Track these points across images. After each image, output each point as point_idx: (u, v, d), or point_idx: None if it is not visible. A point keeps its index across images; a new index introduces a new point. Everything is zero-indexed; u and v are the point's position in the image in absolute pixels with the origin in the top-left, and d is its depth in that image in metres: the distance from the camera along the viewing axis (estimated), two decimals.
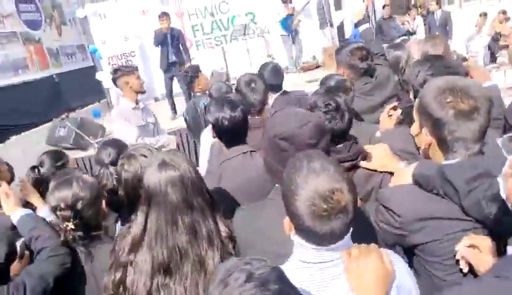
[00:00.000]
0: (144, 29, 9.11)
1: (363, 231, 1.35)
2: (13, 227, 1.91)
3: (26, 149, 6.15)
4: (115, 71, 3.85)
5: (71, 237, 1.80)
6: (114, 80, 3.82)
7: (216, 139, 2.24)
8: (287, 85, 3.69)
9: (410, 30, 9.66)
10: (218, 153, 2.35)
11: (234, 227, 1.53)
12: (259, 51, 9.74)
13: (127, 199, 1.91)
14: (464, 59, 2.94)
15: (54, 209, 1.82)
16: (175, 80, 7.62)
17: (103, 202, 1.94)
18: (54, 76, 8.51)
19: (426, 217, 1.35)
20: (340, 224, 1.06)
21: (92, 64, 10.10)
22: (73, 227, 1.79)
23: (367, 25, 3.29)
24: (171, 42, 7.33)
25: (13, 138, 6.53)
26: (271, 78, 3.30)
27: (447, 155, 1.37)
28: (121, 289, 1.49)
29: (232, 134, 2.06)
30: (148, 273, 1.46)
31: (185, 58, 7.61)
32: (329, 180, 1.07)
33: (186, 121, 4.18)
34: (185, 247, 1.45)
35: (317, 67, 9.54)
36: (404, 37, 8.72)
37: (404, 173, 1.49)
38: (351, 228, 1.12)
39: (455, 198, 1.29)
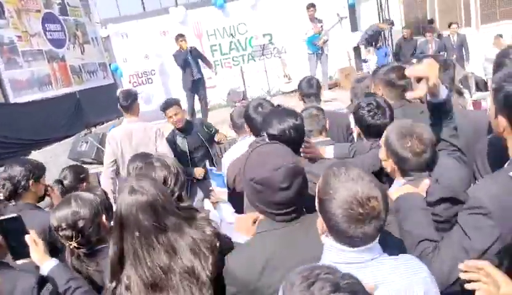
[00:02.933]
0: (164, 49, 9.36)
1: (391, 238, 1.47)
2: (41, 278, 1.80)
3: (49, 162, 6.30)
4: (130, 95, 3.99)
5: (75, 256, 1.85)
6: (132, 104, 3.97)
7: None
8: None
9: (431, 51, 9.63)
10: None
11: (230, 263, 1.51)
12: (276, 71, 9.90)
13: None
14: (461, 94, 2.92)
15: (56, 229, 1.86)
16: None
17: (103, 217, 1.96)
18: (76, 93, 8.73)
19: None
20: (372, 228, 1.15)
21: (113, 81, 10.36)
22: (76, 246, 1.83)
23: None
24: (193, 60, 7.45)
25: (36, 152, 6.69)
26: (305, 89, 3.48)
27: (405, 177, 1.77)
28: None
29: (295, 145, 2.01)
30: (143, 293, 1.49)
31: (207, 65, 7.81)
32: (366, 188, 1.15)
33: None
34: (167, 264, 1.48)
35: (335, 85, 9.62)
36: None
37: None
38: (379, 234, 1.19)
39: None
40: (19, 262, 1.86)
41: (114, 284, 1.51)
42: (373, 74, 2.97)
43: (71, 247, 1.84)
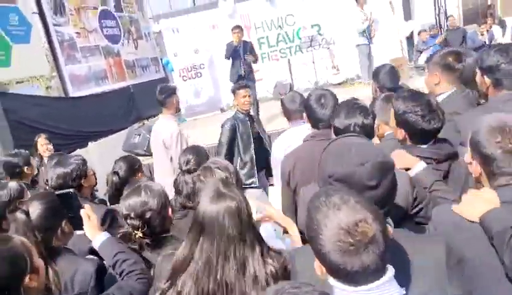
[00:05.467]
0: (214, 43, 9.49)
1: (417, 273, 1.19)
2: (92, 250, 1.91)
3: (104, 153, 6.63)
4: (165, 90, 4.05)
5: (138, 244, 1.89)
6: (166, 99, 4.02)
7: None
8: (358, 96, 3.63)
9: (486, 41, 9.07)
10: None
11: (296, 263, 1.38)
12: (324, 63, 9.75)
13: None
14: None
15: (125, 218, 1.91)
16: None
17: (170, 210, 1.99)
18: (130, 87, 9.10)
19: None
20: (371, 257, 0.99)
21: (164, 75, 10.69)
22: (141, 235, 1.87)
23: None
24: (243, 55, 7.33)
25: (93, 144, 7.07)
26: (385, 81, 3.14)
27: (493, 184, 1.46)
28: None
29: None
30: None
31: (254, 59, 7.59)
32: (351, 213, 1.02)
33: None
34: (232, 282, 1.39)
35: None
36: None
37: (474, 204, 1.43)
38: (390, 269, 1.03)
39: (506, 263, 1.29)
40: (78, 232, 1.97)
41: (167, 285, 1.47)
42: (427, 61, 2.86)
43: (137, 236, 1.88)
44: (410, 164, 1.89)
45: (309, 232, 1.07)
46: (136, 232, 1.87)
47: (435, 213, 1.58)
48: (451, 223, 1.45)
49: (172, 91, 4.12)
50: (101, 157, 6.98)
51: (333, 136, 2.00)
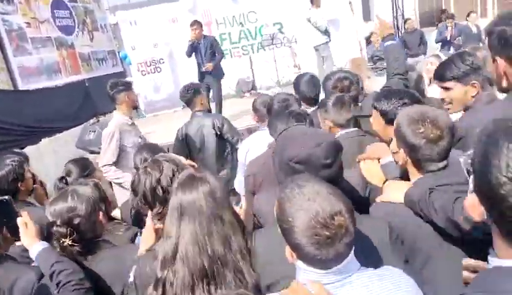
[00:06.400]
0: (174, 37, 9.26)
1: (368, 249, 1.36)
2: (42, 274, 1.77)
3: (58, 151, 6.30)
4: (115, 85, 3.81)
5: (67, 251, 1.78)
6: (115, 95, 3.80)
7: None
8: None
9: (448, 36, 9.37)
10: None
11: (256, 243, 1.50)
12: (286, 61, 9.77)
13: (143, 204, 1.86)
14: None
15: (51, 225, 1.80)
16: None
17: (101, 214, 1.91)
18: (85, 80, 8.69)
19: None
20: (344, 246, 1.06)
21: (122, 69, 10.30)
22: (70, 243, 1.77)
23: (393, 41, 2.86)
24: (204, 51, 7.13)
25: (46, 140, 6.69)
26: (306, 90, 3.15)
27: (420, 171, 1.61)
28: None
29: None
30: (189, 286, 1.42)
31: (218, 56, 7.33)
32: (327, 204, 1.05)
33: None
34: (223, 255, 1.44)
35: None
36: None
37: (392, 190, 1.64)
38: (353, 249, 1.11)
39: (434, 219, 1.44)
40: (18, 243, 1.85)
41: (164, 273, 1.47)
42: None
43: (65, 244, 1.78)
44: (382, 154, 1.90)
45: (282, 224, 1.09)
46: (64, 239, 1.77)
47: (372, 209, 1.68)
48: (386, 212, 1.58)
49: (124, 87, 3.84)
50: (55, 154, 6.65)
51: None
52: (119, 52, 10.20)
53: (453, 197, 1.40)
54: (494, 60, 1.48)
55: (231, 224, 1.49)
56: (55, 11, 8.54)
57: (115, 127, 3.77)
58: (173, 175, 1.77)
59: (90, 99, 8.42)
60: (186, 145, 3.98)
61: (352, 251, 1.10)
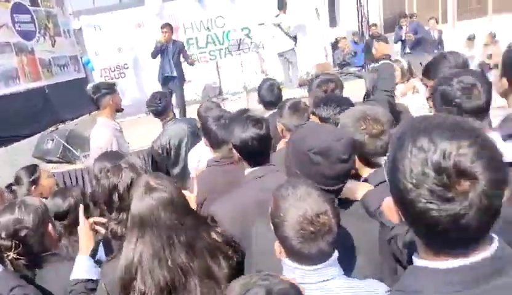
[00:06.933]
0: (139, 42, 9.13)
1: (350, 251, 1.43)
2: None
3: (15, 161, 6.07)
4: (98, 89, 3.57)
5: (13, 266, 1.71)
6: (99, 99, 3.54)
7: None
8: None
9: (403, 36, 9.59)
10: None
11: (254, 232, 1.54)
12: (253, 67, 9.77)
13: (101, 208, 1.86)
14: None
15: None
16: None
17: (50, 225, 1.85)
18: (45, 87, 8.44)
19: None
20: (326, 244, 1.16)
21: (84, 75, 10.06)
22: (15, 257, 1.71)
23: (388, 61, 2.82)
24: (171, 55, 7.02)
25: (2, 150, 6.44)
26: (266, 94, 3.39)
27: (369, 166, 1.72)
28: None
29: (259, 154, 1.92)
30: None
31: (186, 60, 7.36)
32: (315, 204, 1.17)
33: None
34: (186, 264, 1.44)
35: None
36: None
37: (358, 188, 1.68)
38: (335, 250, 1.21)
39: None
40: None
41: (127, 288, 1.44)
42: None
43: (9, 258, 1.70)
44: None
45: (274, 218, 1.21)
46: (8, 253, 1.69)
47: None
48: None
49: (108, 90, 3.58)
50: (12, 164, 6.40)
51: (237, 155, 1.94)
52: (81, 57, 9.99)
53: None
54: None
55: (195, 228, 1.50)
56: (14, 15, 8.28)
57: (110, 133, 3.54)
58: (131, 183, 1.74)
59: (51, 106, 8.18)
60: (165, 157, 3.81)
61: (335, 255, 1.21)
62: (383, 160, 1.48)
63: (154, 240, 1.43)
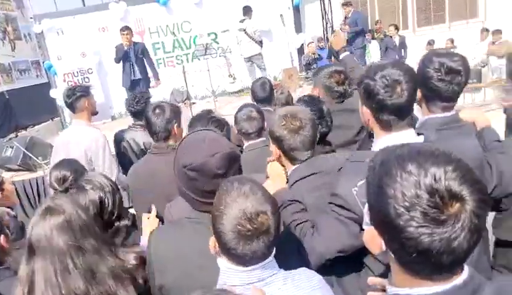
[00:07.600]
0: (103, 46, 8.96)
1: (289, 254, 1.45)
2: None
3: None
4: (73, 93, 3.43)
5: None
6: (74, 103, 3.41)
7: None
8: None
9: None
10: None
11: (152, 242, 1.45)
12: (220, 71, 9.78)
13: None
14: None
15: None
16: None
17: (2, 237, 1.77)
18: (5, 93, 8.16)
19: None
20: (260, 245, 1.13)
21: (46, 80, 9.78)
22: None
23: (347, 53, 3.29)
24: (134, 58, 6.95)
25: None
26: (258, 91, 3.61)
27: (292, 162, 1.82)
28: None
29: None
30: None
31: (153, 74, 7.32)
32: (257, 203, 1.14)
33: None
34: (84, 290, 1.36)
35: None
36: None
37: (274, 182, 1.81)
38: (274, 251, 1.19)
39: None
40: None
41: None
42: (314, 74, 3.15)
43: None
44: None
45: (215, 211, 1.17)
46: None
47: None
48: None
49: (83, 93, 3.45)
50: None
51: None
52: (43, 62, 9.71)
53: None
54: (361, 107, 1.64)
55: (97, 251, 1.42)
56: None
57: (100, 132, 3.44)
58: (101, 202, 1.76)
59: (10, 112, 7.92)
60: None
61: (269, 259, 1.18)
62: (354, 189, 1.48)
63: (46, 266, 1.36)
